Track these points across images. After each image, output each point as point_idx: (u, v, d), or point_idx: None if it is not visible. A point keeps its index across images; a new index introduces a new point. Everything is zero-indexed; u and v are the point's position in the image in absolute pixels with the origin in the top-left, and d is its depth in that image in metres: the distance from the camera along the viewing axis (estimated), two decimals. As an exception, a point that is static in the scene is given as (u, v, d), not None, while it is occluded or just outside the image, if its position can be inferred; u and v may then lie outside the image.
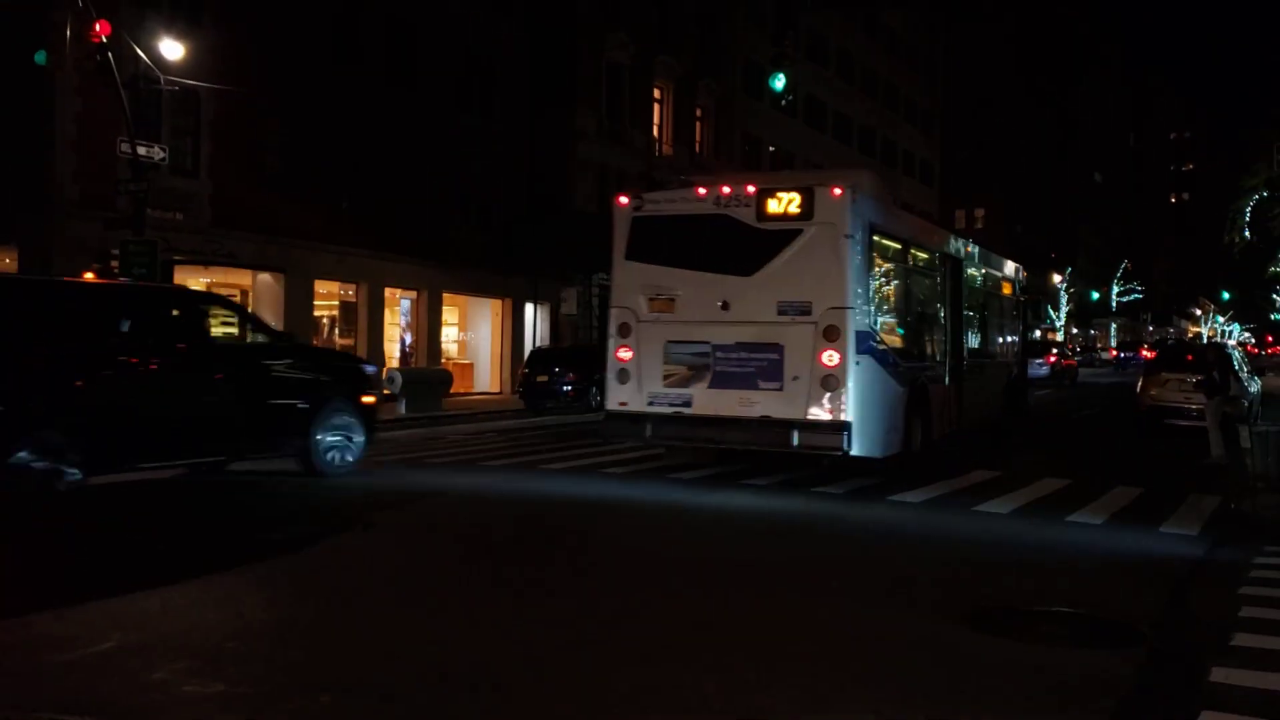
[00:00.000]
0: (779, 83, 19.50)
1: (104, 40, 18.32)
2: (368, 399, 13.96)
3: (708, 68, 44.54)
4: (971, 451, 17.06)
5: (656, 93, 41.75)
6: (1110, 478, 14.77)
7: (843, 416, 12.70)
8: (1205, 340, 73.52)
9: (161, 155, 20.58)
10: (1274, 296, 55.83)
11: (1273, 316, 70.70)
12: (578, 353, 29.01)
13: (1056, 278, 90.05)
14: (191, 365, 12.11)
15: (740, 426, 13.27)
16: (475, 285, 33.10)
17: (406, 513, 11.38)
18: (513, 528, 10.81)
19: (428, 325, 31.46)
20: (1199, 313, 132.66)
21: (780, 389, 12.98)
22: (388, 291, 30.13)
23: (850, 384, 12.73)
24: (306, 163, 26.75)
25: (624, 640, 6.59)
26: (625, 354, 13.97)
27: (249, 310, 19.82)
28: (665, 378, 13.69)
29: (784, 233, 13.13)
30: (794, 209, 13.11)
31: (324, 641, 6.49)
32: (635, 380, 13.87)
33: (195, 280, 25.54)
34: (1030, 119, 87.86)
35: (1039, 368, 40.81)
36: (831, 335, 12.76)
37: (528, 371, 27.52)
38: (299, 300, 27.00)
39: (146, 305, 12.72)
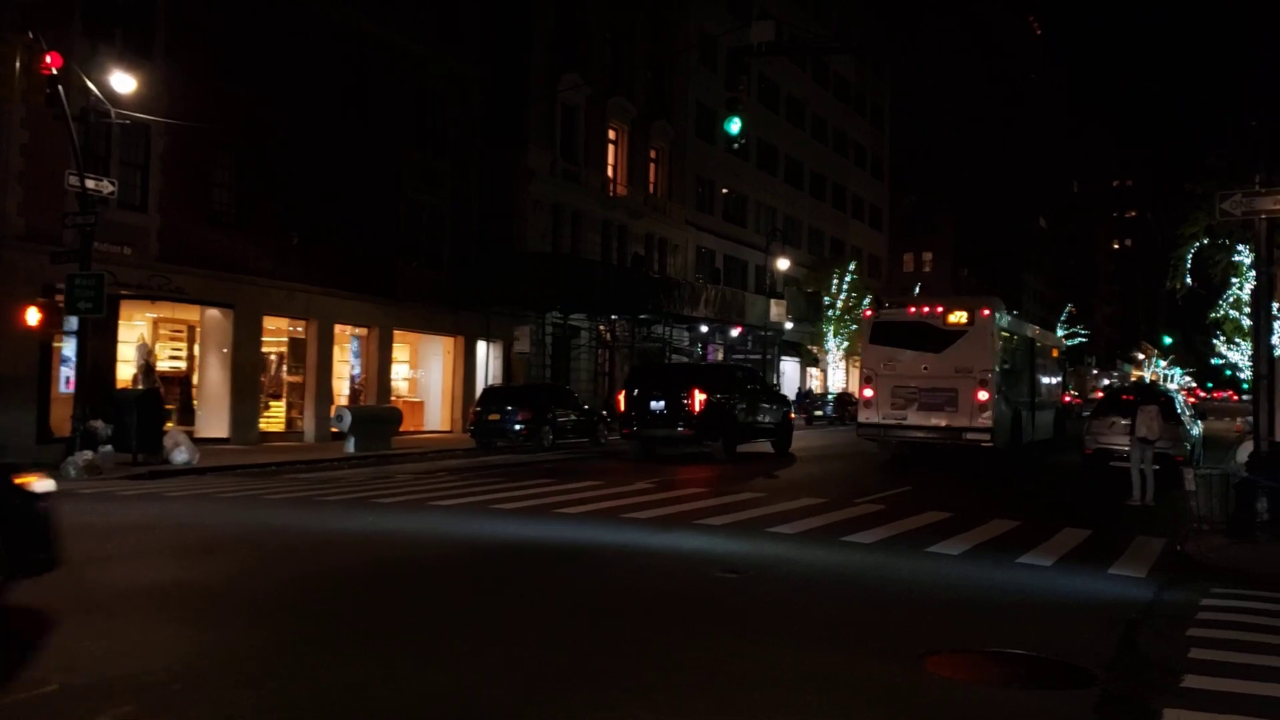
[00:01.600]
0: (734, 126, 19.68)
1: (54, 73, 18.10)
2: (792, 415, 28.58)
3: (661, 110, 44.96)
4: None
5: (611, 134, 42.03)
6: (1059, 519, 14.95)
7: (987, 426, 23.37)
8: (1147, 384, 74.88)
9: (110, 189, 20.31)
10: (1214, 341, 57.06)
11: (1213, 361, 72.34)
12: (531, 391, 28.88)
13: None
14: (757, 400, 26.58)
15: (934, 430, 23.96)
16: (426, 323, 32.92)
17: (351, 551, 11.22)
18: (461, 569, 10.69)
19: (378, 362, 31.18)
20: (1141, 357, 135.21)
21: (955, 411, 23.59)
22: (337, 328, 29.84)
23: (991, 410, 23.38)
24: (257, 198, 26.56)
25: (579, 681, 6.53)
26: (869, 393, 24.76)
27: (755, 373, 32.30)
28: (892, 406, 24.21)
29: (957, 331, 23.91)
30: (963, 320, 23.94)
31: (274, 683, 6.35)
32: (875, 408, 24.54)
33: (141, 314, 25.18)
34: (976, 165, 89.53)
35: None
36: (983, 384, 23.41)
37: (479, 410, 27.32)
38: (247, 336, 26.68)
39: (743, 372, 28.92)
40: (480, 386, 32.53)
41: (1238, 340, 48.46)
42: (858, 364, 66.68)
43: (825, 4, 62.07)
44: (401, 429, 27.69)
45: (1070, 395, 63.07)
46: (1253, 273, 18.13)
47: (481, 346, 34.63)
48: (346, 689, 6.22)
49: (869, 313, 26.15)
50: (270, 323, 27.96)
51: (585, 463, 23.61)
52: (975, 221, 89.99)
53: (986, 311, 24.07)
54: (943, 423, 23.72)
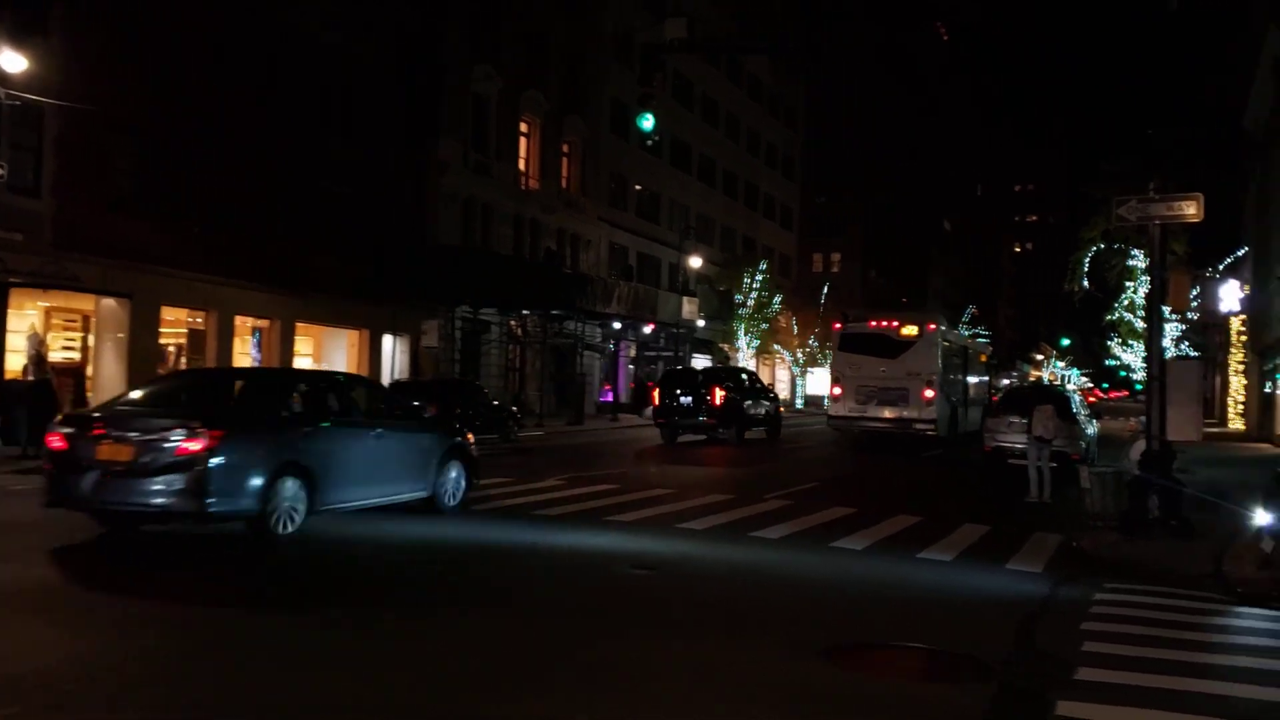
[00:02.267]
0: (647, 122, 19.70)
1: (-62, 49, 17.29)
2: (780, 411, 34.54)
3: (575, 105, 44.79)
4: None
5: (524, 127, 41.73)
6: (959, 515, 15.25)
7: (933, 419, 28.12)
8: (1046, 384, 77.05)
9: (0, 172, 19.47)
10: (1109, 343, 58.97)
11: (1108, 362, 74.83)
12: (438, 387, 28.47)
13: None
14: (758, 396, 32.87)
15: (889, 421, 28.69)
16: (331, 315, 32.25)
17: (211, 549, 10.95)
18: (360, 568, 10.50)
19: (280, 355, 30.42)
20: (1040, 358, 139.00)
21: (907, 406, 28.25)
22: (238, 319, 29.06)
23: (935, 405, 27.94)
24: (158, 184, 25.70)
25: (492, 683, 6.44)
26: (838, 391, 29.87)
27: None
28: (856, 401, 29.09)
29: (910, 341, 28.74)
30: (913, 332, 28.81)
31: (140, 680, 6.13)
32: (842, 403, 29.45)
33: (34, 303, 24.23)
34: (885, 167, 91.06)
35: None
36: (930, 385, 28.10)
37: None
38: (144, 327, 25.82)
39: (747, 374, 34.41)
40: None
41: (1131, 342, 50.15)
42: (769, 362, 67.57)
43: (741, 3, 62.53)
44: (305, 424, 27.06)
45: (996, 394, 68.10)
46: (1147, 276, 18.73)
47: (388, 340, 34.10)
48: (214, 690, 6.03)
49: (838, 325, 31.57)
50: (169, 313, 27.11)
51: (494, 459, 23.33)
52: (883, 223, 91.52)
53: (932, 326, 29.75)
54: (896, 415, 28.74)
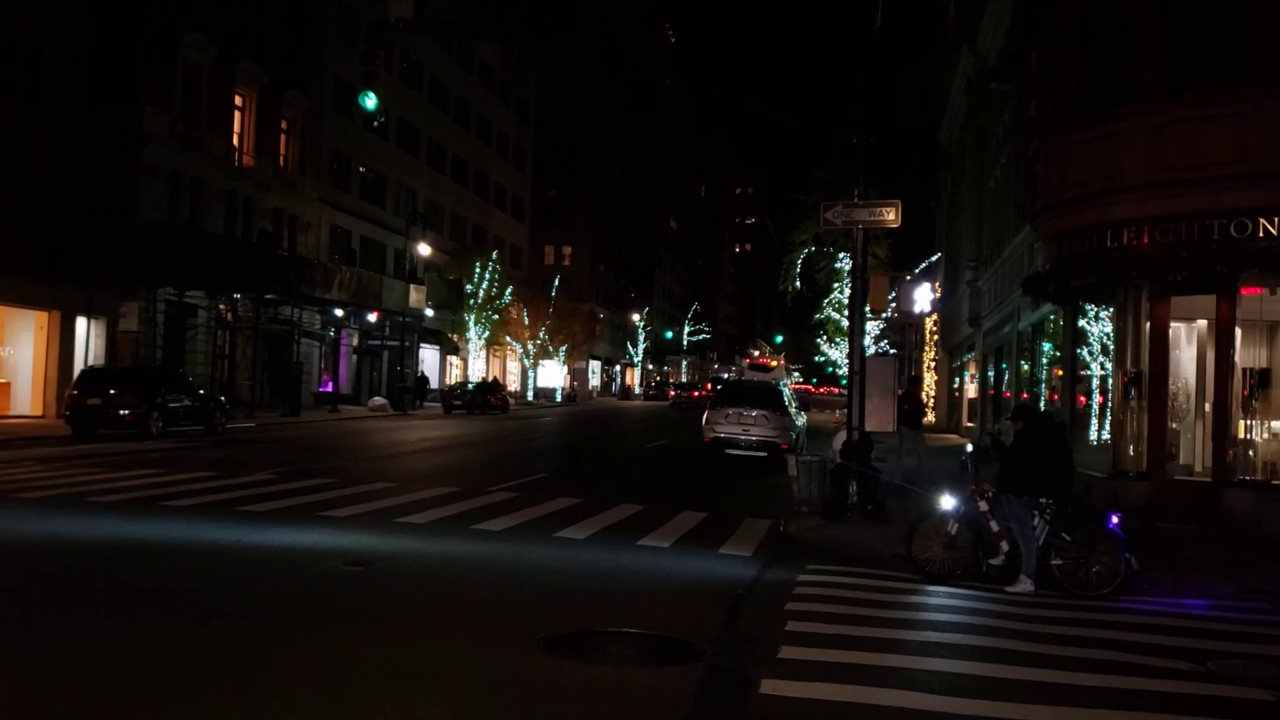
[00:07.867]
0: (370, 101, 18.93)
1: None
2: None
3: (295, 80, 42.77)
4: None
5: (239, 100, 39.40)
6: (679, 502, 15.62)
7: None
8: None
9: None
10: (818, 340, 62.89)
11: (816, 359, 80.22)
12: (138, 373, 26.45)
13: (635, 316, 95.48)
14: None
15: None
16: (15, 295, 29.23)
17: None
18: (35, 570, 9.48)
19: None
20: (757, 353, 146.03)
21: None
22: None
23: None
24: None
25: (178, 690, 5.89)
26: None
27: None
28: None
29: (769, 367, 64.90)
30: (773, 364, 69.41)
31: None
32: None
33: None
34: (614, 163, 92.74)
35: None
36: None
37: (76, 393, 24.58)
38: None
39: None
40: (79, 368, 29.39)
41: (838, 339, 53.42)
42: (499, 354, 67.39)
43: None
44: (-19, 413, 24.48)
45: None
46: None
47: (82, 323, 31.32)
48: None
49: (747, 360, 74.08)
50: None
51: (200, 452, 21.96)
52: (613, 219, 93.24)
53: (780, 362, 74.13)
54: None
